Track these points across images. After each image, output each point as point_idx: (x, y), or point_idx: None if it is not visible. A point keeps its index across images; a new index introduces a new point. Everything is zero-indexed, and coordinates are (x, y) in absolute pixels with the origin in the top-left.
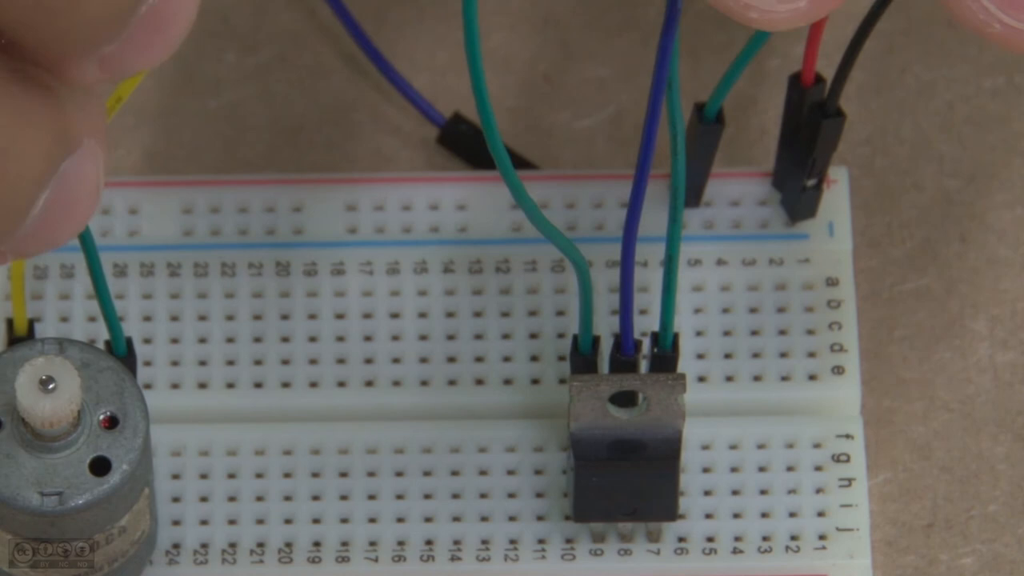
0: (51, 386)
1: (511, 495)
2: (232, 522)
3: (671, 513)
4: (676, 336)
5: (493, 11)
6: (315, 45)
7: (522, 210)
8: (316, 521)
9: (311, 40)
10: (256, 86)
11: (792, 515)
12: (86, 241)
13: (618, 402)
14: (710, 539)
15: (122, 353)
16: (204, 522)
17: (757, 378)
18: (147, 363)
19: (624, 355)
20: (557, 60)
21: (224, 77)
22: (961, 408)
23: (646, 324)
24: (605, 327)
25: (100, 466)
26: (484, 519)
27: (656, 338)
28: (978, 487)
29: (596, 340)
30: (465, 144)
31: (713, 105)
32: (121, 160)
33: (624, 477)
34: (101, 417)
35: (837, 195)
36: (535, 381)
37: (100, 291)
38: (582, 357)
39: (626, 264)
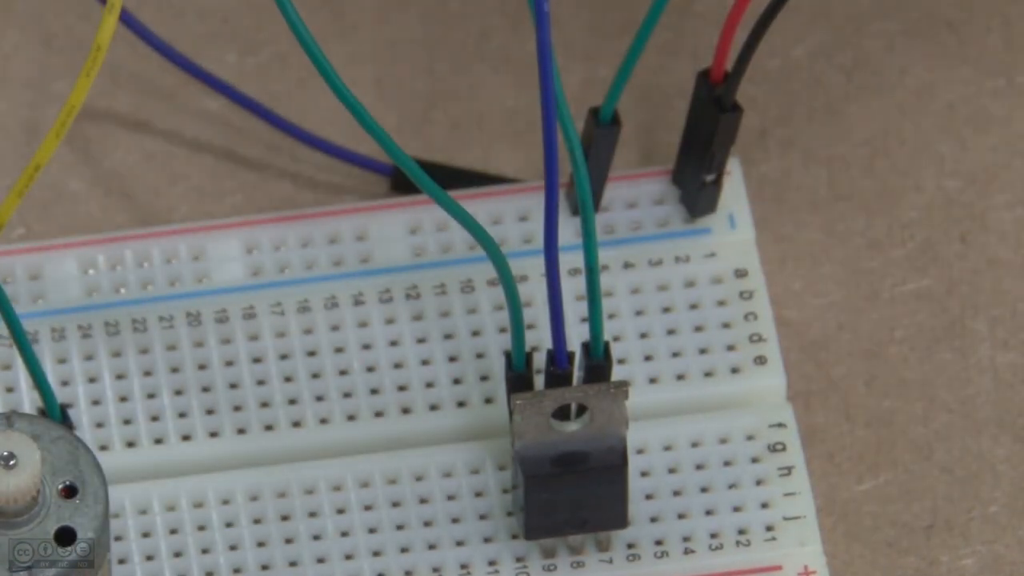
0: (12, 463)
1: (455, 520)
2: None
3: (621, 521)
4: (607, 345)
5: (493, 11)
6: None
7: (456, 219)
8: (264, 568)
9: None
10: (256, 87)
11: (737, 509)
12: (5, 309)
13: (558, 415)
14: (659, 542)
15: (57, 419)
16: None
17: (680, 377)
18: (99, 424)
19: (559, 368)
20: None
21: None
22: (962, 409)
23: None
24: (536, 339)
25: (65, 536)
26: (432, 547)
27: (587, 348)
28: (979, 488)
29: (529, 356)
30: None
31: (608, 107)
32: (121, 160)
33: (573, 490)
34: (59, 487)
35: (733, 186)
36: (461, 404)
37: (27, 358)
38: (517, 374)
39: (552, 279)
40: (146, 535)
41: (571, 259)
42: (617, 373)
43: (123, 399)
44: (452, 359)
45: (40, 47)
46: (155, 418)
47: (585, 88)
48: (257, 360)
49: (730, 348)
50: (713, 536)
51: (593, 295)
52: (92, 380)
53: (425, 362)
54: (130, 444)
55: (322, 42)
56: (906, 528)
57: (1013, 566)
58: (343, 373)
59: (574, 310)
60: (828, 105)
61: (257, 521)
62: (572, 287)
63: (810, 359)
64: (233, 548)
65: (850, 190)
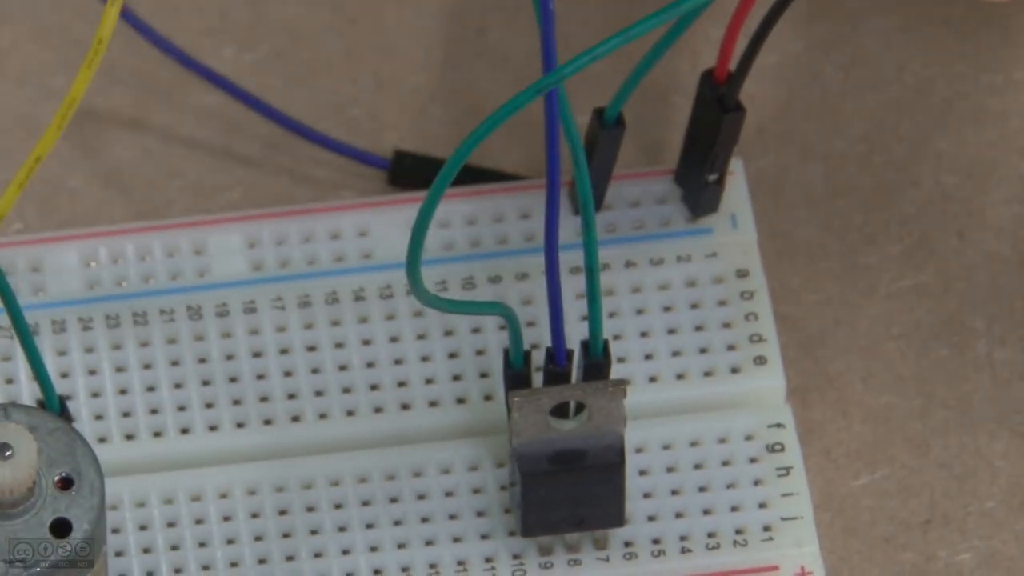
0: (8, 453)
1: (452, 516)
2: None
3: (619, 519)
4: (606, 343)
5: (491, 8)
6: (313, 41)
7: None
8: (262, 562)
9: (309, 36)
10: (254, 82)
11: (735, 509)
12: (8, 300)
13: (556, 413)
14: (656, 541)
15: (55, 411)
16: (178, 571)
17: (680, 376)
18: (98, 417)
19: (557, 366)
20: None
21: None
22: (959, 405)
23: (574, 330)
24: (536, 337)
25: (61, 528)
26: (429, 543)
27: (586, 347)
28: (976, 484)
29: (528, 353)
30: (418, 176)
31: (613, 109)
32: (119, 157)
33: (571, 488)
34: (55, 479)
35: (736, 187)
36: (460, 401)
37: (28, 350)
38: (515, 371)
39: (551, 279)
40: (143, 528)
41: (572, 257)
42: (617, 372)
43: (122, 392)
44: (452, 356)
45: (37, 43)
46: (154, 411)
47: (582, 84)
48: (257, 355)
49: (730, 348)
50: (710, 535)
51: (593, 294)
52: (92, 372)
53: (425, 358)
54: (129, 437)
55: (321, 37)
56: (903, 524)
57: (1010, 561)
58: (343, 369)
59: (575, 308)
60: (825, 101)
61: (255, 515)
62: (573, 285)
63: (807, 355)
64: (230, 542)
65: (847, 186)
